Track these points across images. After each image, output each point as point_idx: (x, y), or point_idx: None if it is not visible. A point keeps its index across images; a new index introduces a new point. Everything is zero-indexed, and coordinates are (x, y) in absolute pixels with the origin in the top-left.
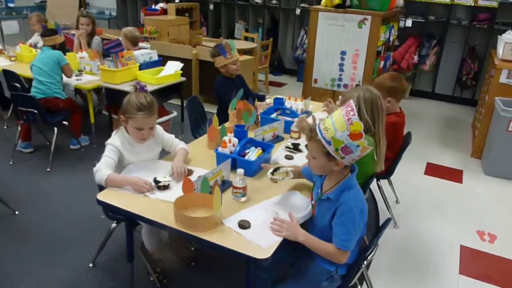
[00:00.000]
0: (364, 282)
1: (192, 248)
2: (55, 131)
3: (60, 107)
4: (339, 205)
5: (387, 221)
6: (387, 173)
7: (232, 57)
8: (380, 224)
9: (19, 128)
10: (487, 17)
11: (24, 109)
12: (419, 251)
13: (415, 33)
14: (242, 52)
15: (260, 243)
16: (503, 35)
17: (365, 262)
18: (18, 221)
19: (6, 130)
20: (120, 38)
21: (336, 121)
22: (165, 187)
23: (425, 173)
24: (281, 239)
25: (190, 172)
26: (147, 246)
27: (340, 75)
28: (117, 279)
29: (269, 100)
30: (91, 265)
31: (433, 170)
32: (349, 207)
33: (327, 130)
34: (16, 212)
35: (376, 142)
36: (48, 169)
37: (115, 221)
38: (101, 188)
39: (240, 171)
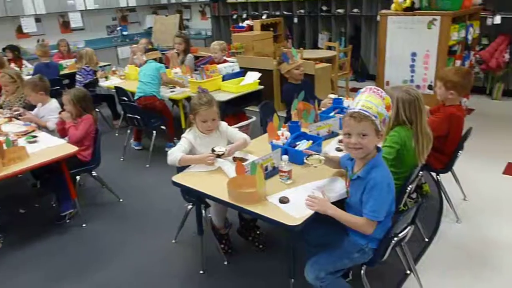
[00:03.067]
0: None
1: (258, 232)
2: (154, 134)
3: (156, 105)
4: (368, 181)
5: (422, 202)
6: (445, 167)
7: (294, 62)
8: (438, 220)
9: (129, 131)
10: None
11: (131, 115)
12: (479, 247)
13: (506, 30)
14: (322, 60)
15: (294, 214)
16: None
17: (396, 238)
18: (122, 206)
19: (118, 137)
20: (211, 55)
21: (370, 100)
22: (219, 156)
23: (503, 173)
24: (312, 212)
25: (244, 159)
26: (214, 222)
27: (412, 76)
28: (193, 251)
29: (333, 96)
30: (173, 241)
31: None
32: (377, 182)
33: (370, 108)
34: (121, 200)
35: (415, 139)
36: (147, 166)
37: (191, 203)
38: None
39: (285, 157)
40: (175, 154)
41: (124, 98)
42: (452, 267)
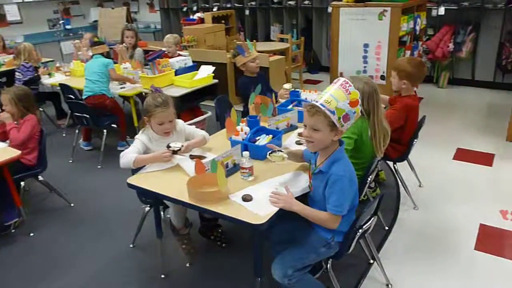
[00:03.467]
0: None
1: (220, 230)
2: (105, 133)
3: (106, 104)
4: (329, 175)
5: (382, 196)
6: (402, 156)
7: (250, 55)
8: (397, 208)
9: (77, 131)
10: None
11: (79, 114)
12: (436, 230)
13: (450, 21)
14: (275, 52)
15: (259, 212)
16: None
17: (360, 230)
18: (73, 212)
19: (65, 137)
20: (162, 49)
21: (334, 94)
22: (175, 152)
23: (453, 158)
24: (277, 209)
25: (202, 157)
26: (173, 223)
27: (365, 67)
28: (152, 255)
29: (288, 86)
30: (131, 245)
31: (462, 155)
32: (338, 176)
33: (329, 103)
34: (72, 204)
35: (372, 131)
36: (99, 167)
37: (148, 206)
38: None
39: (246, 153)
40: (128, 156)
41: (71, 96)
42: (412, 253)
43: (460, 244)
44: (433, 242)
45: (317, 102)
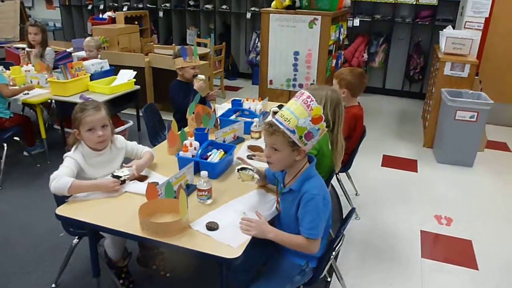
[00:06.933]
0: (334, 273)
1: (161, 257)
2: (5, 148)
3: (5, 126)
4: (302, 194)
5: (352, 211)
6: (345, 166)
7: (191, 62)
8: (344, 216)
9: None
10: (429, 14)
11: None
12: (383, 240)
13: (363, 32)
14: None
15: (230, 243)
16: (444, 30)
17: (333, 253)
18: None
19: None
20: (67, 50)
21: (295, 110)
22: (123, 182)
23: (382, 165)
24: (250, 237)
25: (144, 177)
26: (110, 255)
27: (295, 75)
28: None
29: (202, 76)
30: (53, 285)
31: (389, 161)
32: (312, 195)
33: (288, 121)
34: None
35: (333, 144)
36: None
37: (77, 237)
38: (58, 202)
39: (204, 173)
40: (62, 180)
41: None
42: (366, 267)
43: (408, 253)
44: (384, 254)
45: (275, 119)
